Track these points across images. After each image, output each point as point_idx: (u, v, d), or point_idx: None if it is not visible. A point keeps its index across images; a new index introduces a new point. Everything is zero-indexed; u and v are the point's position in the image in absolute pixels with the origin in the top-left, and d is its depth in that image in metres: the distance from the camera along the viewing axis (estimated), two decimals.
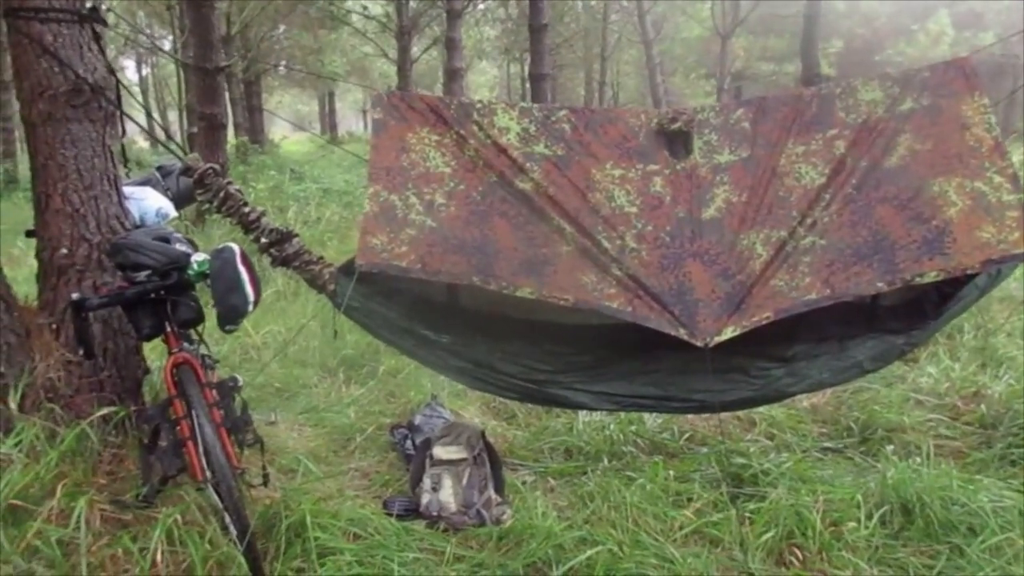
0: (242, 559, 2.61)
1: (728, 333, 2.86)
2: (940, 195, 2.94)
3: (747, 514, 3.10)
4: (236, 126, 21.72)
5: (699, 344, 2.84)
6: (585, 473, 3.63)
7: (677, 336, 2.86)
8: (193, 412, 2.75)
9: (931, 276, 2.88)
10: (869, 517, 3.10)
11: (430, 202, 2.99)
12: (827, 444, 3.98)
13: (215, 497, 2.74)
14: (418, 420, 4.01)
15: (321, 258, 3.16)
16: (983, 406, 4.11)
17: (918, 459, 3.47)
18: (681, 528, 3.08)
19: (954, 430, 4.02)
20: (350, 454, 3.92)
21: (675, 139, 3.11)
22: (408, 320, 3.13)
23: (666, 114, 3.14)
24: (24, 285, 5.48)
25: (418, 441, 3.81)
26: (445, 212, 2.98)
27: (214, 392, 2.87)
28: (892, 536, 3.06)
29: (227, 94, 13.58)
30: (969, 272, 2.93)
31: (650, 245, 2.98)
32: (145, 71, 32.84)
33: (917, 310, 3.18)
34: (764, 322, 2.87)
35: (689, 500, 3.26)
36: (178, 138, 8.03)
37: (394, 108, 3.09)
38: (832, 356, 3.15)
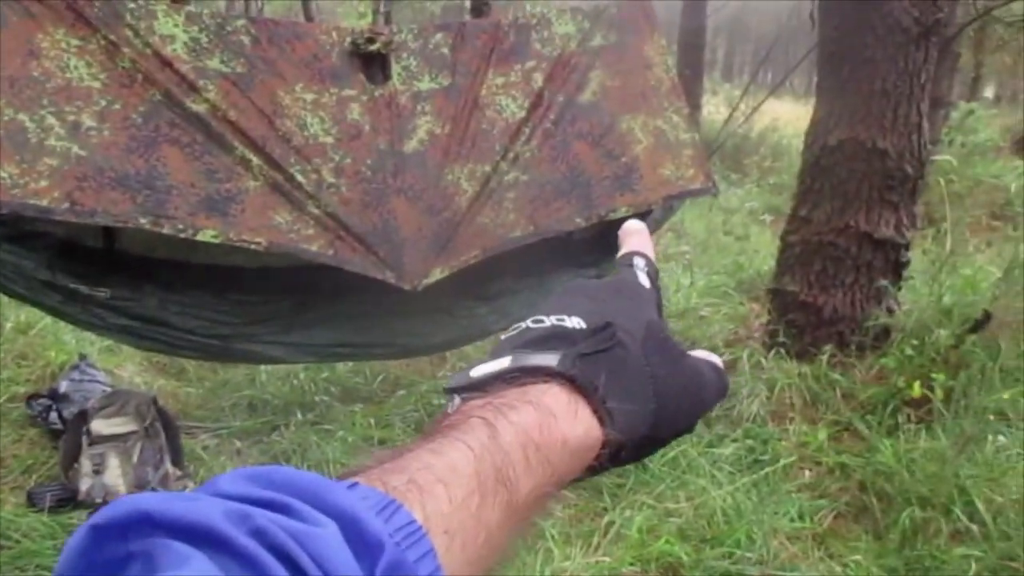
0: None
1: (437, 275, 2.71)
2: (628, 132, 3.04)
3: None
4: None
5: (407, 288, 2.66)
6: (276, 429, 3.32)
7: (384, 280, 2.65)
8: None
9: (622, 211, 2.98)
10: None
11: (75, 124, 2.38)
12: None
13: None
14: (64, 387, 3.35)
15: None
16: None
17: None
18: None
19: None
20: None
21: (372, 62, 2.81)
22: (51, 271, 2.51)
23: (361, 33, 2.82)
24: None
25: (66, 413, 3.19)
26: (98, 137, 2.39)
27: None
28: None
29: None
30: (653, 207, 3.09)
31: (350, 180, 2.69)
32: None
33: (606, 242, 3.29)
34: (473, 261, 2.76)
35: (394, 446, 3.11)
36: None
37: None
38: (532, 292, 3.15)
